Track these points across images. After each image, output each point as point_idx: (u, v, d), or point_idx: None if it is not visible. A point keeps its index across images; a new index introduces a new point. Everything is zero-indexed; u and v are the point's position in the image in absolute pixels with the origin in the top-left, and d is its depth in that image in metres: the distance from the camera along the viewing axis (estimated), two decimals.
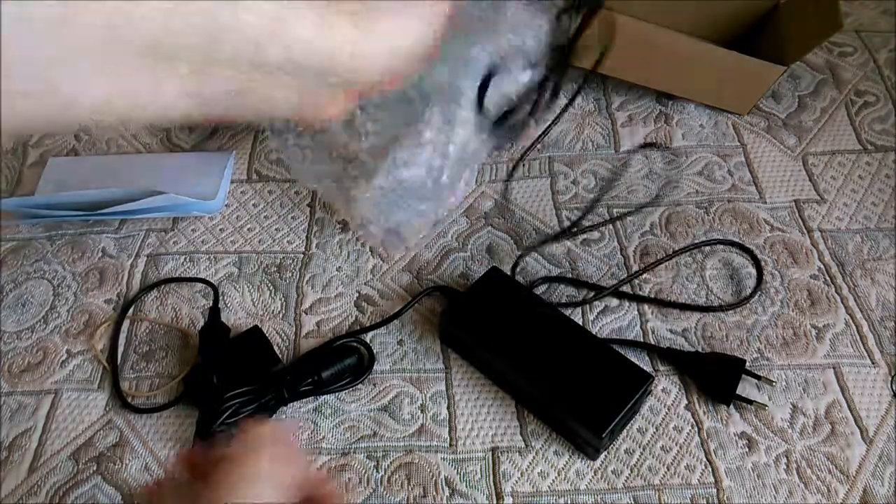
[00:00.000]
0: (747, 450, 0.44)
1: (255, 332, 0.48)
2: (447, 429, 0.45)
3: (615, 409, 0.42)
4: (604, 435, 0.41)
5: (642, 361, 0.47)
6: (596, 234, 0.54)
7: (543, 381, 0.43)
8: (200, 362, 0.47)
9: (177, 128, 0.61)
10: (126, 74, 0.20)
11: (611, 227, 0.54)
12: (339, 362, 0.46)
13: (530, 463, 0.44)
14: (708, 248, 0.53)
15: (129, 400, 0.46)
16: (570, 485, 0.43)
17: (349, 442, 0.45)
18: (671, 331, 0.49)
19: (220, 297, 0.51)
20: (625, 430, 0.44)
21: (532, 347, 0.44)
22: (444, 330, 0.48)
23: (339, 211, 0.55)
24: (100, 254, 0.54)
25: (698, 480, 0.43)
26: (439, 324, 0.49)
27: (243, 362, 0.46)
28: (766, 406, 0.45)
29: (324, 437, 0.45)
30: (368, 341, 0.49)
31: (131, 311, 0.51)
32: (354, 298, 0.51)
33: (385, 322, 0.49)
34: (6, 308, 0.51)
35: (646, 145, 0.54)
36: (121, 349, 0.49)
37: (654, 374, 0.46)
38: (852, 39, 0.67)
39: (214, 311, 0.50)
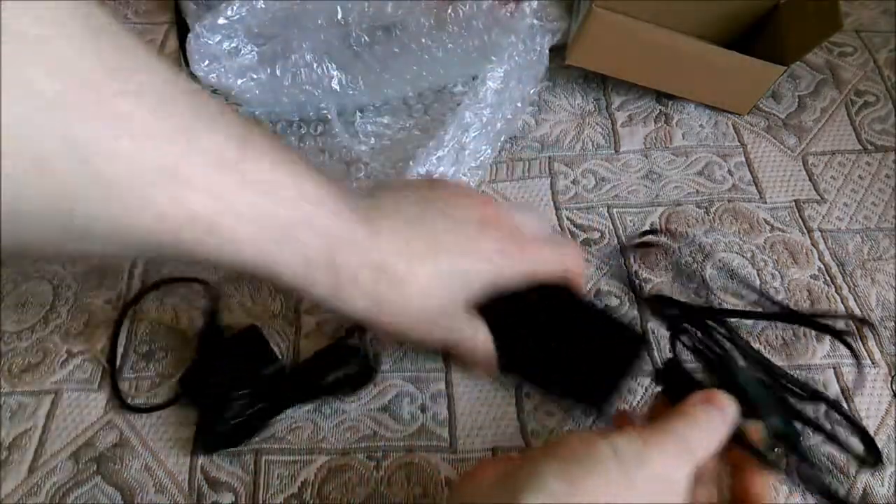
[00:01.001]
0: None
1: (253, 331, 0.47)
2: (447, 429, 0.45)
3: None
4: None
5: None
6: (596, 234, 0.54)
7: (538, 381, 0.44)
8: (196, 362, 0.46)
9: None
10: None
11: (610, 226, 0.54)
12: (343, 366, 0.46)
13: None
14: (713, 257, 0.53)
15: (129, 400, 0.46)
16: None
17: (349, 442, 0.45)
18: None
19: (220, 297, 0.51)
20: None
21: (526, 337, 0.43)
22: None
23: None
24: None
25: None
26: None
27: (240, 362, 0.46)
28: None
29: (324, 438, 0.45)
30: (370, 341, 0.48)
31: (131, 311, 0.51)
32: None
33: None
34: (6, 308, 0.51)
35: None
36: (121, 349, 0.49)
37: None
38: (852, 39, 0.67)
39: (213, 311, 0.49)
